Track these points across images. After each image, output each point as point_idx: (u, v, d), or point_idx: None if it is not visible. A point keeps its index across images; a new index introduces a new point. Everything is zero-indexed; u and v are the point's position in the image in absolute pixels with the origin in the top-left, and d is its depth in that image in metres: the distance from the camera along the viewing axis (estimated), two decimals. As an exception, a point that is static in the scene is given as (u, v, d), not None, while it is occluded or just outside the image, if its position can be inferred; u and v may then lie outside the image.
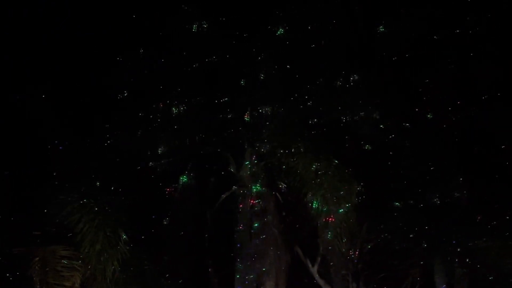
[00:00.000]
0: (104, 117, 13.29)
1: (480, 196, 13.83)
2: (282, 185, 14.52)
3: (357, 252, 14.67)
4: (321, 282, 14.93)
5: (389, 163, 13.99)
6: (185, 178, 14.17)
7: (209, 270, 14.86)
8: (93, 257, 11.51)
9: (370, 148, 14.05)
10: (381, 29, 14.12)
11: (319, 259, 14.78)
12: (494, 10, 13.56)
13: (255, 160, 14.36)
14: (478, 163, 13.80)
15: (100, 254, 11.55)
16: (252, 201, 14.11)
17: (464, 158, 13.82)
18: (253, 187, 14.04)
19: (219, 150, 14.48)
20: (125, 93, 13.85)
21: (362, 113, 14.17)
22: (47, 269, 11.39)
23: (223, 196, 14.66)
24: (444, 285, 14.39)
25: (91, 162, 12.71)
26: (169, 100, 13.51)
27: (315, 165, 13.24)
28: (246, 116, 13.92)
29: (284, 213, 14.69)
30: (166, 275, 13.14)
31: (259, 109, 13.69)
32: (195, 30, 13.76)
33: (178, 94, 13.55)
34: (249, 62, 13.51)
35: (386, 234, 14.35)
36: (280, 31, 13.98)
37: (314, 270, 14.98)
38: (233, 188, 14.38)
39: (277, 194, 14.63)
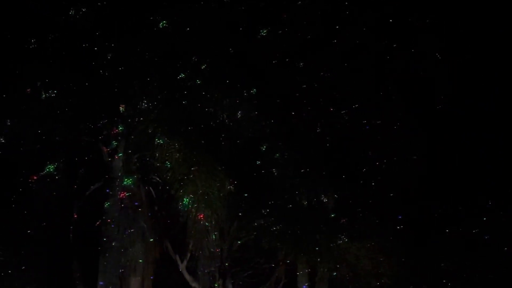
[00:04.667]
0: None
1: (344, 199, 14.54)
2: (156, 179, 14.38)
3: (226, 249, 14.84)
4: (188, 278, 14.94)
5: (261, 163, 14.26)
6: (51, 166, 13.53)
7: (72, 263, 14.30)
8: None
9: (244, 147, 14.21)
10: (263, 33, 14.35)
11: (188, 255, 14.79)
12: (366, 23, 14.28)
13: (129, 152, 14.06)
14: (344, 169, 14.49)
15: None
16: (122, 194, 13.80)
17: (332, 164, 14.43)
18: (124, 179, 13.73)
19: (91, 140, 14.00)
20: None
21: (239, 113, 14.36)
22: None
23: (93, 187, 14.20)
24: (306, 284, 14.97)
25: None
26: (39, 84, 12.80)
27: (188, 161, 13.24)
28: (121, 108, 13.58)
29: (156, 208, 14.53)
30: (22, 267, 12.46)
31: (135, 101, 13.39)
32: (72, 14, 13.20)
33: (48, 78, 12.89)
34: (127, 52, 13.17)
35: (254, 233, 14.64)
36: (163, 23, 13.81)
37: (182, 265, 14.97)
38: (103, 180, 13.96)
39: (150, 188, 14.44)
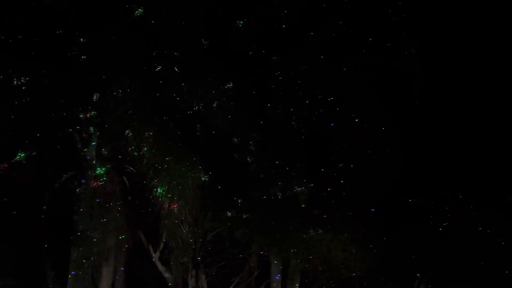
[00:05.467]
0: None
1: (317, 191, 14.62)
2: (130, 169, 14.27)
3: (199, 240, 14.82)
4: (161, 268, 14.92)
5: (236, 154, 14.26)
6: (22, 154, 13.30)
7: (44, 253, 14.12)
8: None
9: (219, 138, 14.18)
10: (240, 24, 14.30)
11: (161, 245, 14.73)
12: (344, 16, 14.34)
13: (102, 141, 13.91)
14: (319, 162, 14.56)
15: None
16: (95, 183, 13.65)
17: (307, 156, 14.48)
18: (97, 168, 13.59)
19: (65, 128, 13.81)
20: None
21: (215, 103, 14.30)
22: None
23: (65, 176, 14.02)
24: (279, 275, 15.05)
25: None
26: (11, 70, 12.57)
27: (163, 151, 13.17)
28: (94, 96, 13.42)
29: (129, 198, 14.42)
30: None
31: (110, 90, 13.23)
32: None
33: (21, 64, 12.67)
34: (102, 40, 13.00)
35: (228, 224, 14.64)
36: (139, 11, 13.68)
37: (155, 256, 14.93)
38: (76, 169, 13.80)
39: (123, 177, 14.32)
